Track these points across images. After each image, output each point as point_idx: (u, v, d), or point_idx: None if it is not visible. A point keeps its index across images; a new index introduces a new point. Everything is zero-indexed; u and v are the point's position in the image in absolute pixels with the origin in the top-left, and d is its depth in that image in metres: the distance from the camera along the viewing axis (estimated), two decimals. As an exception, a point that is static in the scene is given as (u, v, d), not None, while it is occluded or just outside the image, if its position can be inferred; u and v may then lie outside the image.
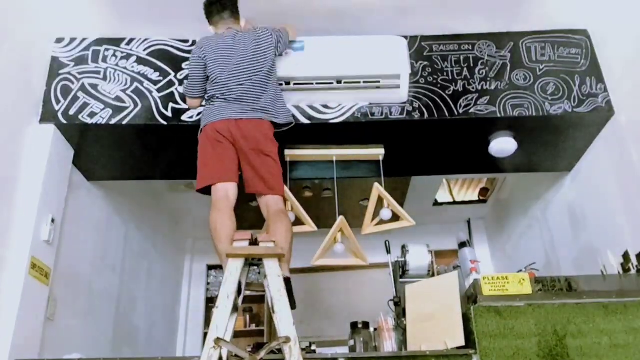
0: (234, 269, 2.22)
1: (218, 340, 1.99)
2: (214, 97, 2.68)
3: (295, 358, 1.94)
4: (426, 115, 3.20)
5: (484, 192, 5.84)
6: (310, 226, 3.30)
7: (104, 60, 3.29)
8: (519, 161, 3.66)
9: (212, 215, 2.45)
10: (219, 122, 2.59)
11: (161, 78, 3.27)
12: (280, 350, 2.07)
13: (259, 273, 2.49)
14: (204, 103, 2.82)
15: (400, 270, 3.01)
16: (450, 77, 3.30)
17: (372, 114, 3.22)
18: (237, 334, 6.01)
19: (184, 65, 3.30)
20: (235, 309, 2.20)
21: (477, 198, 5.95)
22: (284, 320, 2.07)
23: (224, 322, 2.07)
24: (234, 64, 2.67)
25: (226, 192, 2.53)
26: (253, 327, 5.84)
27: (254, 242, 2.38)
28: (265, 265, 2.26)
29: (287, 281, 2.27)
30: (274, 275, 2.21)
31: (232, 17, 2.83)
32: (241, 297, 2.29)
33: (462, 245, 3.36)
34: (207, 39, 2.79)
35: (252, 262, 2.38)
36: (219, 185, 2.53)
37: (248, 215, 5.53)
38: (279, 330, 2.06)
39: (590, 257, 3.47)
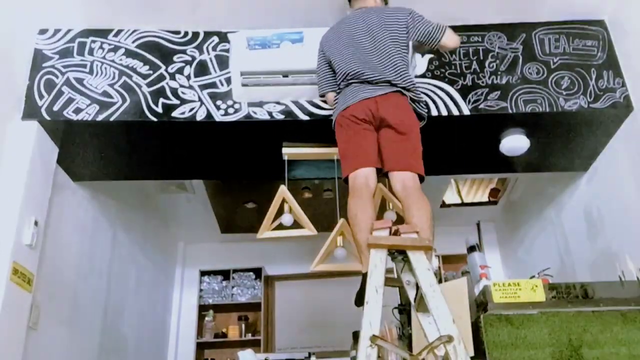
0: (378, 261, 2.14)
1: (375, 338, 1.95)
2: (343, 82, 2.68)
3: (462, 358, 1.89)
4: (433, 111, 3.21)
5: (494, 193, 5.84)
6: (309, 229, 3.30)
7: (90, 52, 3.29)
8: (531, 160, 3.66)
9: (351, 202, 2.40)
10: (353, 105, 2.57)
11: (151, 72, 3.27)
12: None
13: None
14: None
15: (406, 276, 3.00)
16: (459, 71, 3.30)
17: (376, 110, 3.22)
18: (232, 344, 6.06)
19: (175, 58, 3.30)
20: None
21: (487, 199, 5.95)
22: (443, 318, 1.99)
23: (377, 317, 2.01)
24: (357, 42, 2.69)
25: (366, 178, 2.48)
26: (249, 336, 5.84)
27: (393, 233, 2.28)
28: (412, 258, 2.16)
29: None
30: (422, 269, 2.11)
31: None
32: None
33: (471, 249, 3.36)
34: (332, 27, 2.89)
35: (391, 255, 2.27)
36: (358, 171, 2.50)
37: (244, 215, 5.54)
38: (438, 329, 1.97)
39: (607, 262, 3.47)
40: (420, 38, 2.73)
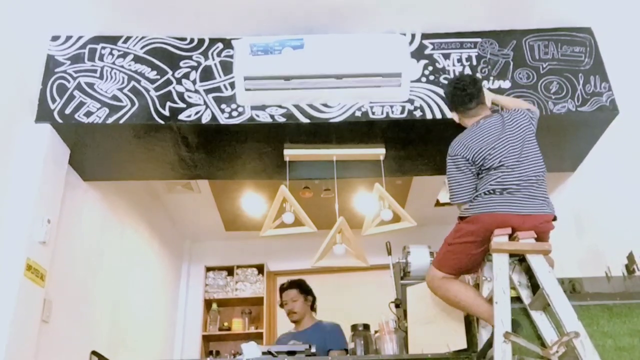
0: (502, 264, 2.22)
1: (508, 335, 2.03)
2: (490, 190, 2.39)
3: (590, 352, 1.94)
4: (427, 114, 3.21)
5: (486, 192, 5.82)
6: (309, 227, 3.30)
7: (101, 58, 3.30)
8: (522, 161, 3.65)
9: (449, 287, 2.36)
10: (498, 219, 2.31)
11: (158, 77, 3.27)
12: None
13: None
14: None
15: (402, 272, 3.01)
16: (452, 76, 3.30)
17: (373, 113, 3.22)
18: (235, 337, 6.05)
19: (181, 64, 3.30)
20: None
21: (479, 198, 5.93)
22: (568, 315, 2.05)
23: (508, 316, 2.10)
24: (507, 151, 2.46)
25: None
26: (252, 329, 5.84)
27: (512, 238, 2.30)
28: (532, 261, 2.20)
29: None
30: (544, 271, 2.17)
31: (480, 104, 2.63)
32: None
33: (465, 246, 3.35)
34: (464, 136, 2.55)
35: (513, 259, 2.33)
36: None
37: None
38: (564, 327, 2.01)
39: (594, 258, 3.47)
40: None
